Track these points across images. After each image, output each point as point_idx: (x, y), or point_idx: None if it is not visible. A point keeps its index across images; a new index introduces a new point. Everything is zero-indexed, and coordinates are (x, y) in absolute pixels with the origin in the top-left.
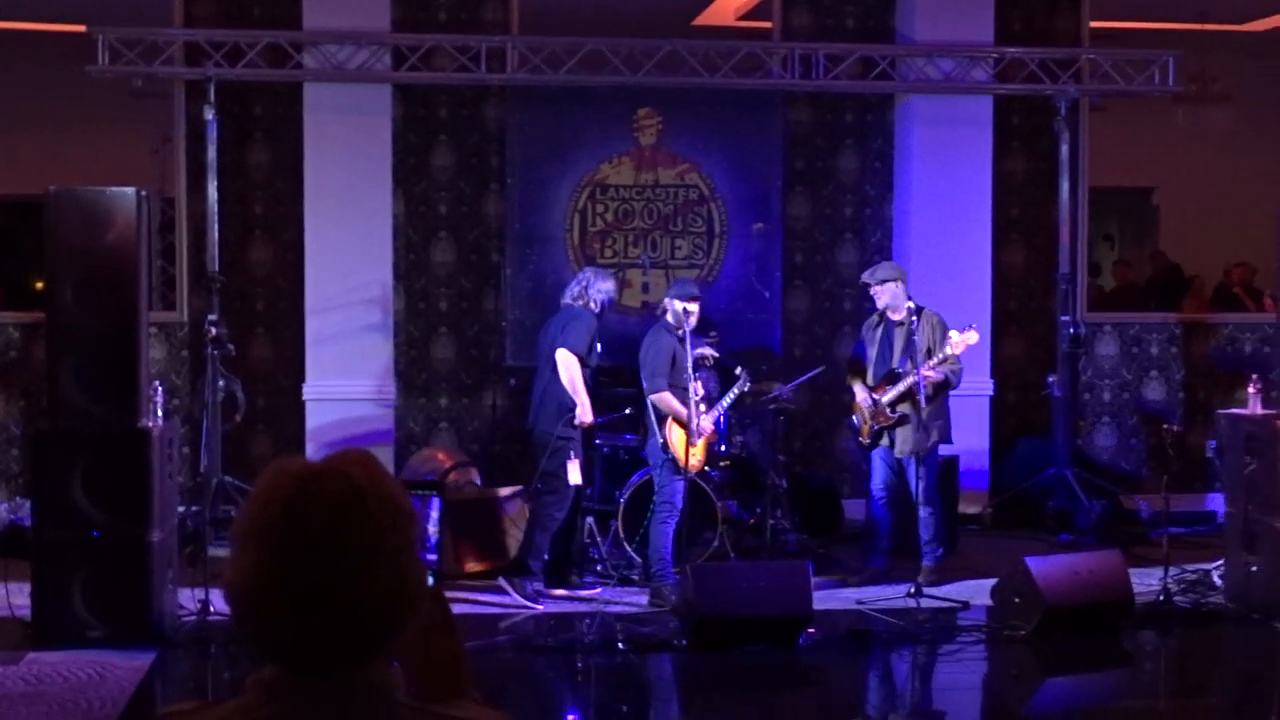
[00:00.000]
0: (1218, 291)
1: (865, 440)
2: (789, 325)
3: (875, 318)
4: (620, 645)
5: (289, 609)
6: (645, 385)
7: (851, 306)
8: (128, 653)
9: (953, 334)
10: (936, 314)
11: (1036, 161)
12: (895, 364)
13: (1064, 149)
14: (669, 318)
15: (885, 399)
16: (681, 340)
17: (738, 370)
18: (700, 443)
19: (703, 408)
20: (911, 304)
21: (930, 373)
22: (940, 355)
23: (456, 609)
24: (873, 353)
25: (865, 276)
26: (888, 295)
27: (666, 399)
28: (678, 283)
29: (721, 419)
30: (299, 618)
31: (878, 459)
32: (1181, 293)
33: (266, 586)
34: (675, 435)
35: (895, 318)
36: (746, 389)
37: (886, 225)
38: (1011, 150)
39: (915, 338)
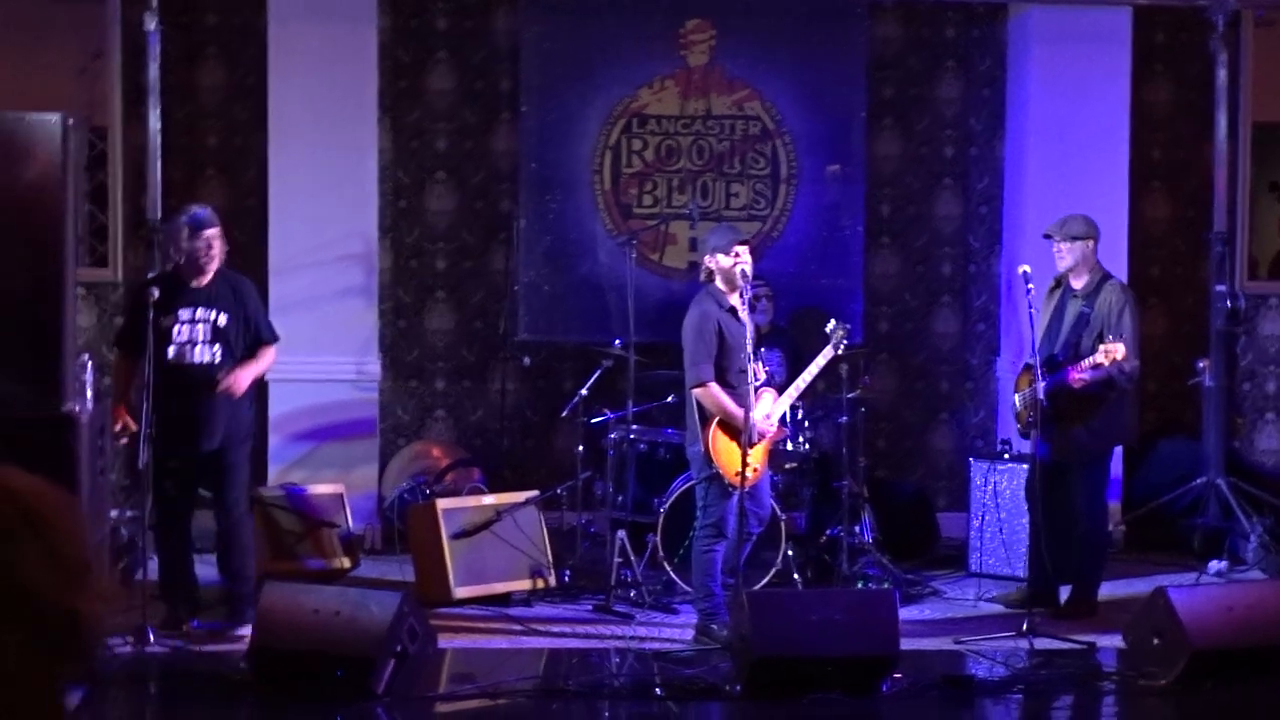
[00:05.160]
0: None
1: (1020, 428)
2: (873, 294)
3: (1054, 281)
4: (658, 691)
5: None
6: (686, 375)
7: (952, 270)
8: None
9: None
10: (1122, 286)
11: (1186, 91)
12: (1058, 348)
13: (1221, 75)
14: (718, 282)
15: (1040, 390)
16: (733, 311)
17: (830, 326)
18: (759, 446)
19: (766, 397)
20: (1097, 271)
21: (1083, 374)
22: (1092, 360)
23: (453, 643)
24: (1042, 326)
25: (1051, 229)
26: (1072, 257)
27: (712, 394)
28: (714, 232)
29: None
30: None
31: (1033, 454)
32: None
33: None
34: (721, 443)
35: (1075, 285)
36: (843, 350)
37: (996, 169)
38: (1154, 76)
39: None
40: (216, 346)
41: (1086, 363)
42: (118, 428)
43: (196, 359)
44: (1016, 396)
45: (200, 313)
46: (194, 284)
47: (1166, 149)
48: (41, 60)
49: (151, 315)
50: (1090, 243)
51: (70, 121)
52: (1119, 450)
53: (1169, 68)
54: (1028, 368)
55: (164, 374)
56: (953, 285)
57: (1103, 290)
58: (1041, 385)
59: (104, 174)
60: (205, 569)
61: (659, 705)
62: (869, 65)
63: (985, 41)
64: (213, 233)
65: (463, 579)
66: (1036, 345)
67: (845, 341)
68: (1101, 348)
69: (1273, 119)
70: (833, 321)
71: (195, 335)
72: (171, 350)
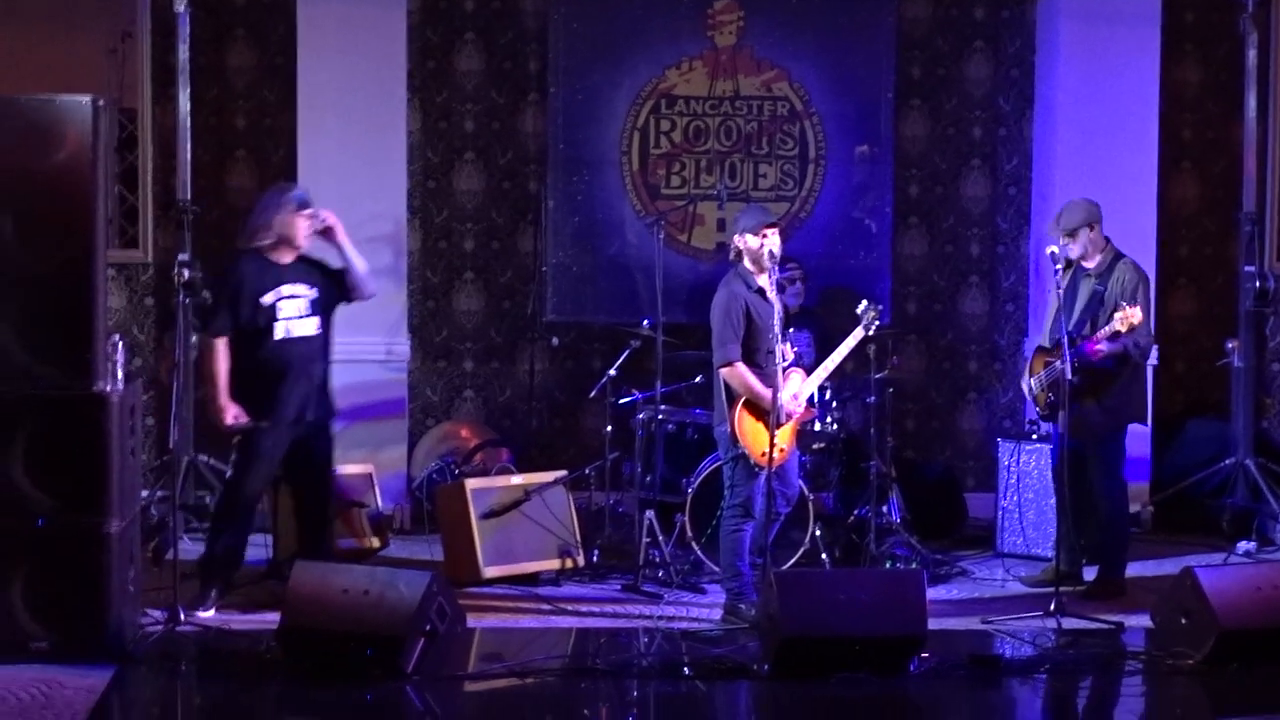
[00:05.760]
0: None
1: (1041, 411)
2: (900, 274)
3: (1065, 261)
4: (686, 670)
5: None
6: (714, 355)
7: (980, 251)
8: (79, 669)
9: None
10: (1134, 265)
11: (1215, 71)
12: (1072, 327)
13: (1251, 55)
14: (746, 262)
15: (1057, 371)
16: (761, 292)
17: (860, 307)
18: (787, 426)
19: (794, 377)
20: (1109, 251)
21: (1100, 345)
22: (1109, 328)
23: (482, 622)
24: (1054, 306)
25: (1053, 229)
26: (1079, 246)
27: (739, 374)
28: (744, 212)
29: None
30: None
31: (1055, 435)
32: None
33: None
34: (746, 423)
35: (1088, 265)
36: (874, 330)
37: (1025, 149)
38: (1184, 56)
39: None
40: (315, 319)
41: (1103, 332)
42: (229, 420)
43: (301, 333)
44: (1032, 380)
45: (299, 288)
46: (281, 261)
47: (1196, 129)
48: (71, 42)
49: (182, 296)
50: (1092, 227)
51: (100, 103)
52: (1146, 431)
53: (1199, 48)
54: (1041, 350)
55: (270, 350)
56: (981, 266)
57: (1116, 268)
58: (1068, 365)
59: (133, 155)
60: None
61: (687, 684)
62: (897, 46)
63: (1014, 22)
64: (312, 211)
65: (491, 559)
66: (1050, 326)
67: (876, 323)
68: (1118, 315)
69: None
70: (864, 303)
71: (297, 310)
72: (279, 328)
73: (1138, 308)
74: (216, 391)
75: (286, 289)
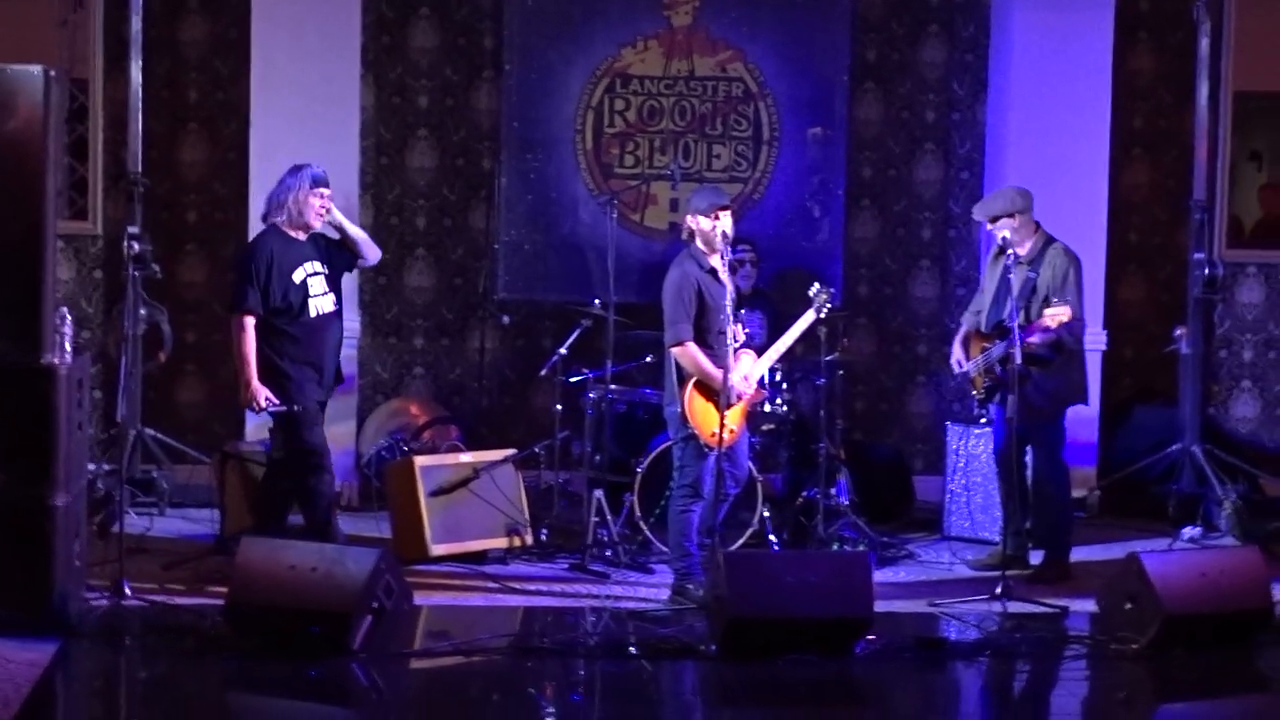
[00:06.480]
0: None
1: (979, 395)
2: (852, 257)
3: (996, 249)
4: (633, 650)
5: None
6: (665, 334)
7: (931, 234)
8: (23, 643)
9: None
10: (1064, 249)
11: (1168, 59)
12: (1007, 315)
13: (1203, 44)
14: (699, 243)
15: (994, 356)
16: (713, 272)
17: (813, 289)
18: (737, 407)
19: (745, 359)
20: (1040, 236)
21: (1035, 338)
22: (1041, 324)
23: (429, 600)
24: (989, 291)
25: (976, 211)
26: (1007, 232)
27: (690, 354)
28: (697, 193)
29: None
30: None
31: (997, 419)
32: None
33: None
34: (697, 404)
35: (1020, 252)
36: (825, 314)
37: (978, 134)
38: (1137, 44)
39: (1009, 279)
40: (332, 295)
41: (1037, 325)
42: (263, 404)
43: (325, 310)
44: (969, 364)
45: (316, 266)
46: (300, 238)
47: (1148, 117)
48: (22, 11)
49: (132, 269)
50: (1019, 216)
51: (52, 74)
52: (1094, 416)
53: (1152, 35)
54: (977, 335)
55: (304, 329)
56: (932, 250)
57: (1047, 255)
58: (1018, 351)
59: (84, 127)
60: (188, 524)
61: (633, 664)
62: (852, 28)
63: (969, 7)
64: (330, 192)
65: (440, 536)
66: (988, 312)
67: (828, 305)
68: (1047, 312)
69: (1254, 88)
70: (816, 285)
71: (321, 288)
72: (311, 305)
73: (1066, 306)
74: (249, 374)
75: (311, 266)
